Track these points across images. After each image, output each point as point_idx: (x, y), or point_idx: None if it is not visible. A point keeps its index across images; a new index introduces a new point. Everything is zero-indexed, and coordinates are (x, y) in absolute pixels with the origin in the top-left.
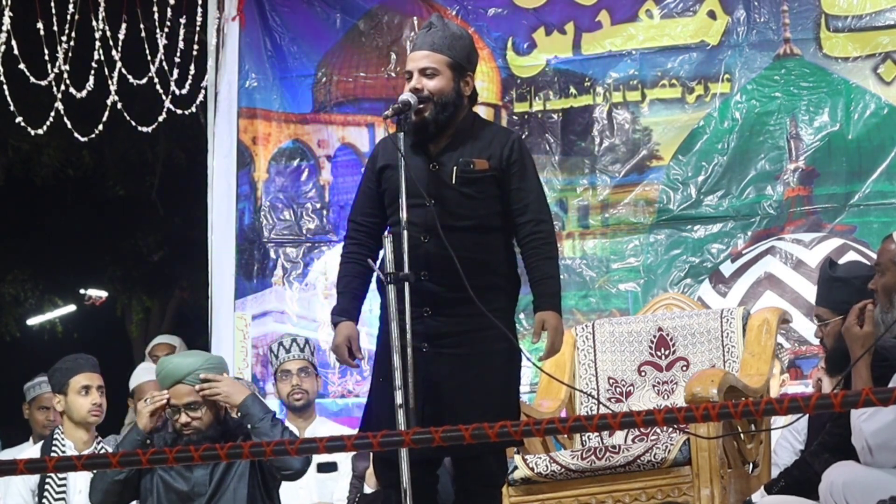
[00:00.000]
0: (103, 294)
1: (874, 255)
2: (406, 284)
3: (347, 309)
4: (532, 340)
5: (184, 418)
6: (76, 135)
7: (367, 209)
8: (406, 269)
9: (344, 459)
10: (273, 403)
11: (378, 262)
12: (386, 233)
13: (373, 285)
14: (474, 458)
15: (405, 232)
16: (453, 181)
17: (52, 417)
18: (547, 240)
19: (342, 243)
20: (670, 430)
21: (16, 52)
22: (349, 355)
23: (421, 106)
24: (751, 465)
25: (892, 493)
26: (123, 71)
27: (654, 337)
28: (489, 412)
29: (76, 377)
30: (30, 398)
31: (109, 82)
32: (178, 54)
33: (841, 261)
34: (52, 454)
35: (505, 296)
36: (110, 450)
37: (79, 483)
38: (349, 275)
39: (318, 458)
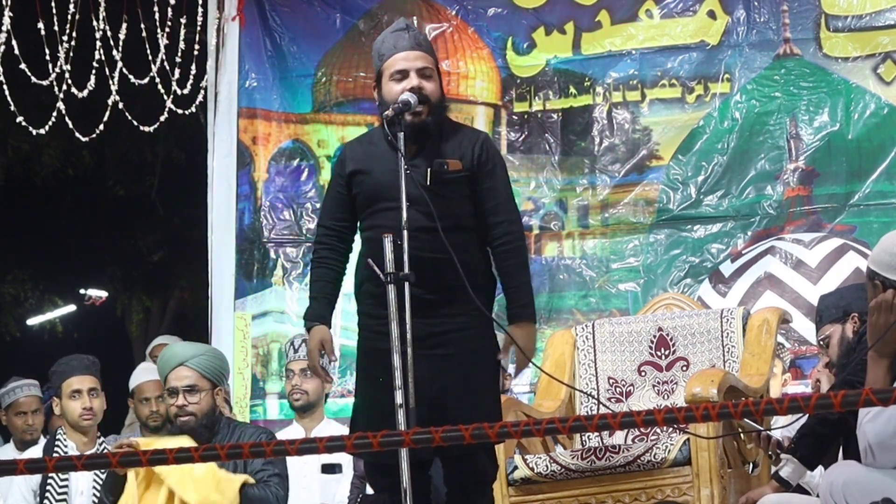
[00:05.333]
0: (103, 294)
1: None
2: (406, 285)
3: (322, 314)
4: (500, 356)
5: (181, 400)
6: (77, 135)
7: (337, 213)
8: (406, 270)
9: (347, 461)
10: (274, 403)
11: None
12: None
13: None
14: (465, 457)
15: (405, 232)
16: (428, 182)
17: (31, 421)
18: (520, 242)
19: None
20: (670, 430)
21: (16, 52)
22: (320, 364)
23: (420, 107)
24: (751, 465)
25: (892, 494)
26: (124, 71)
27: (654, 337)
28: (476, 411)
29: (68, 380)
30: (6, 404)
31: (110, 82)
32: (179, 54)
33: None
34: (55, 455)
35: (483, 295)
36: (111, 450)
37: (80, 484)
38: (322, 279)
39: (322, 459)
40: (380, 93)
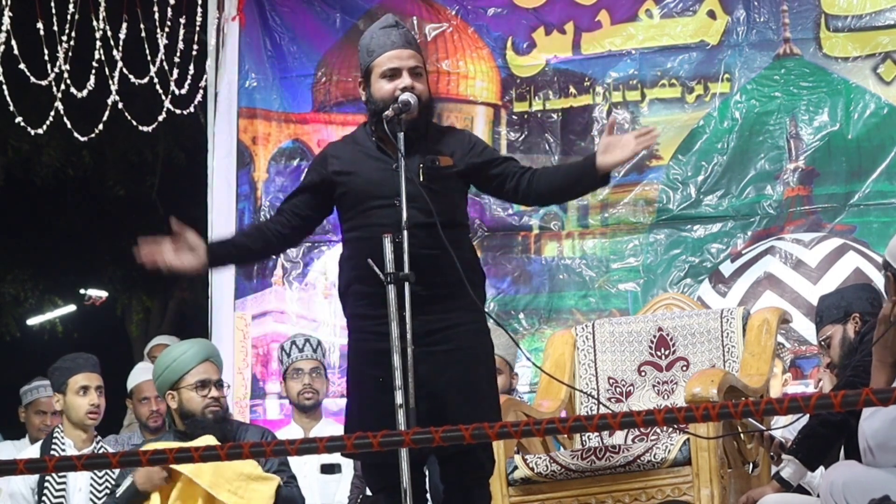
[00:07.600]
0: (103, 294)
1: (874, 255)
2: (406, 285)
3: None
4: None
5: (214, 392)
6: (76, 135)
7: (296, 199)
8: (406, 268)
9: (348, 461)
10: (274, 403)
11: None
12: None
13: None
14: (462, 454)
15: (405, 232)
16: (420, 178)
17: (48, 422)
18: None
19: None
20: (670, 430)
21: (16, 52)
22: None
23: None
24: (751, 465)
25: (892, 492)
26: (124, 71)
27: (654, 337)
28: (482, 406)
29: (75, 377)
30: (26, 402)
31: (110, 82)
32: (178, 54)
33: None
34: (52, 453)
35: (477, 290)
36: (110, 449)
37: (78, 482)
38: (241, 230)
39: (321, 459)
40: (368, 90)
